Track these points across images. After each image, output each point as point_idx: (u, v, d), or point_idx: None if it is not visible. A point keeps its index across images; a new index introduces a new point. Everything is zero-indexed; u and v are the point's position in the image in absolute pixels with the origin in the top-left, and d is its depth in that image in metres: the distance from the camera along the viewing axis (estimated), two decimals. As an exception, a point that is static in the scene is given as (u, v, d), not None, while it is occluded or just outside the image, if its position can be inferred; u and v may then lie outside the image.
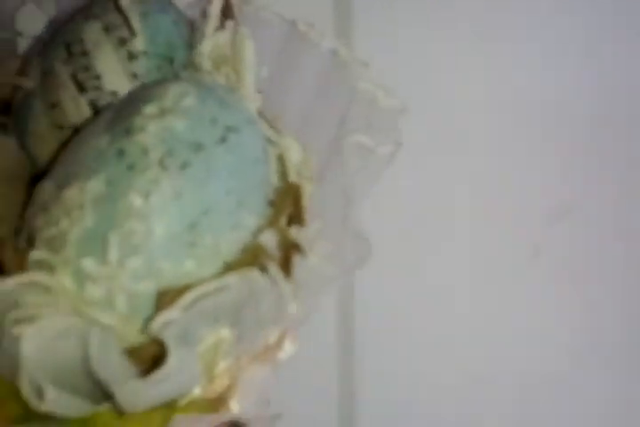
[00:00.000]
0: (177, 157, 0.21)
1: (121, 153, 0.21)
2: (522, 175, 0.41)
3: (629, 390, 0.44)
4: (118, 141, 0.22)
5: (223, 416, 0.23)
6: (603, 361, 0.43)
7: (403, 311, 0.41)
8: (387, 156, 0.26)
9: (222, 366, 0.23)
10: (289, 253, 0.21)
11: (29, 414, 0.20)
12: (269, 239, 0.21)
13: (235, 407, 0.24)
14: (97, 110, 0.26)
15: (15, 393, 0.19)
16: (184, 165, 0.22)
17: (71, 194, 0.21)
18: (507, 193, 0.42)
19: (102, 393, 0.20)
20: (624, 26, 0.43)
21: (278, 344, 0.26)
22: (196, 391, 0.22)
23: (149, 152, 0.21)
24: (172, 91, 0.22)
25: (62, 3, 0.32)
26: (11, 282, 0.19)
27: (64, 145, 0.24)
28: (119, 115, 0.22)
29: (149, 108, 0.22)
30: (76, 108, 0.26)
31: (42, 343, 0.18)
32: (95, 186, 0.21)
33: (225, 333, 0.22)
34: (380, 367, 0.42)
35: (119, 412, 0.20)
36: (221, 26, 0.28)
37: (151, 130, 0.22)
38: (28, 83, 0.27)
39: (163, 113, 0.22)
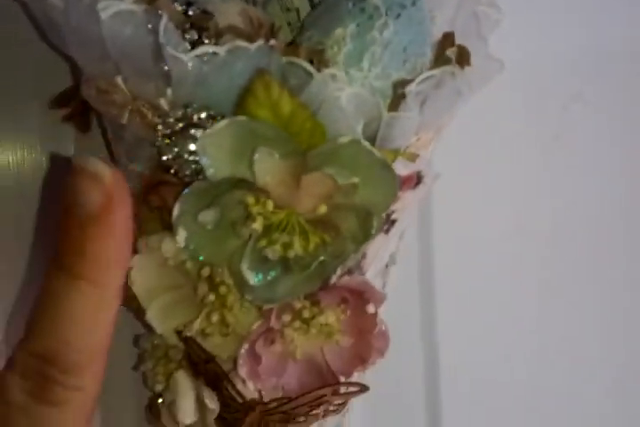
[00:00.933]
0: (393, 11, 0.38)
1: (362, 10, 0.37)
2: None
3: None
4: (359, 4, 0.37)
5: (418, 166, 0.39)
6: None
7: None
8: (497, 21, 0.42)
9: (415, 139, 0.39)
10: (463, 58, 0.37)
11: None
12: (451, 52, 0.37)
13: (421, 164, 0.40)
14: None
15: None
16: (397, 16, 0.38)
17: (338, 32, 0.37)
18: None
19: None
20: None
21: (432, 138, 0.42)
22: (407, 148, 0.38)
23: (379, 9, 0.37)
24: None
25: None
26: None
27: (307, 15, 0.39)
28: (354, -12, 0.38)
29: (375, -15, 0.38)
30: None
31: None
32: (352, 27, 0.37)
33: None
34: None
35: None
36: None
37: (378, -4, 0.37)
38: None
39: (382, -13, 0.38)
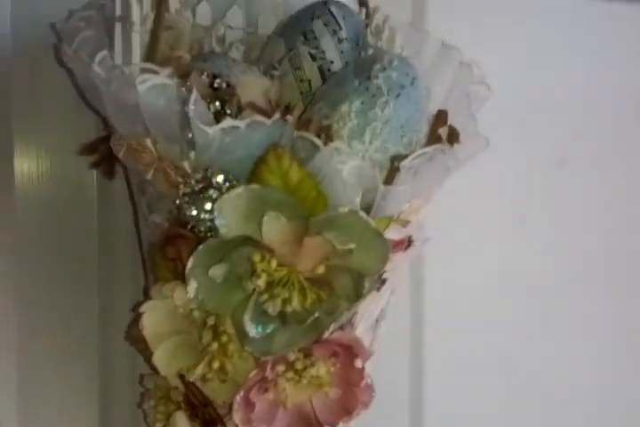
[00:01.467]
0: (394, 91, 0.42)
1: (366, 89, 0.42)
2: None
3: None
4: (364, 83, 0.42)
5: (409, 231, 0.43)
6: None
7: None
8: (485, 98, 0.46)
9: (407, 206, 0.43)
10: (453, 137, 0.42)
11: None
12: (442, 131, 0.41)
13: (412, 229, 0.44)
14: (322, 71, 0.46)
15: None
16: (397, 95, 0.42)
17: (344, 108, 0.41)
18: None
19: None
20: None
21: (423, 204, 0.46)
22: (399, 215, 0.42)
23: (381, 88, 0.41)
24: (387, 57, 0.42)
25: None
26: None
27: (313, 92, 0.44)
28: (360, 69, 0.42)
29: (377, 66, 0.42)
30: (311, 70, 0.46)
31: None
32: (356, 104, 0.41)
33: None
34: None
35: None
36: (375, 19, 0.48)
37: (380, 77, 0.42)
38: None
39: (384, 68, 0.42)
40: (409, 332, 0.61)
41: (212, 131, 0.37)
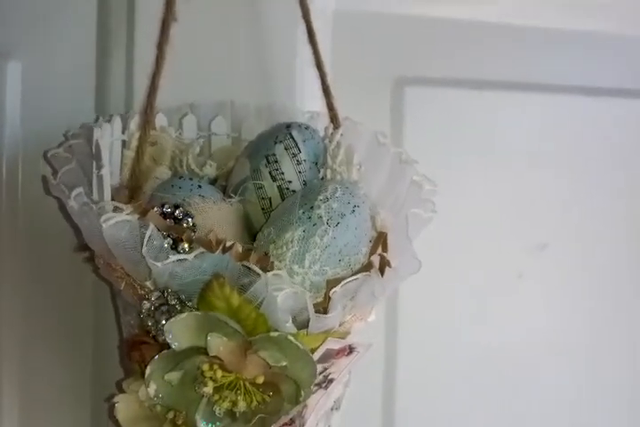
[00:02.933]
0: (334, 220, 0.48)
1: (309, 218, 0.48)
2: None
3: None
4: (308, 212, 0.48)
5: (348, 341, 0.48)
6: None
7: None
8: (428, 218, 0.51)
9: (349, 317, 0.49)
10: (383, 265, 0.47)
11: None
12: (375, 259, 0.47)
13: (354, 336, 0.49)
14: (281, 190, 0.52)
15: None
16: (337, 224, 0.48)
17: (288, 235, 0.47)
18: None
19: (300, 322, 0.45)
20: None
21: (369, 312, 0.52)
22: (337, 327, 0.48)
23: (322, 218, 0.47)
24: (330, 188, 0.48)
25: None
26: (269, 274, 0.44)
27: (273, 211, 0.50)
28: (306, 199, 0.49)
29: (321, 196, 0.48)
30: (271, 189, 0.52)
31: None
32: (299, 232, 0.47)
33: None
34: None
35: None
36: (335, 139, 0.54)
37: (322, 207, 0.48)
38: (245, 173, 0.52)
39: (327, 199, 0.48)
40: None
41: (162, 265, 0.44)
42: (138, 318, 0.48)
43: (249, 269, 0.45)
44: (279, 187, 0.53)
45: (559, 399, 0.71)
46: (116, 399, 0.50)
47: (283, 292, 0.45)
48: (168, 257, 0.44)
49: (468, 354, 0.68)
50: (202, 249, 0.44)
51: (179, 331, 0.45)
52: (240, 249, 0.45)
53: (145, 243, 0.43)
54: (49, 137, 0.57)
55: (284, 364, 0.44)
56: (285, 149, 0.53)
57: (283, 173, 0.53)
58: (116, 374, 0.58)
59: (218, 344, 0.45)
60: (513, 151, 0.71)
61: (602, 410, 0.73)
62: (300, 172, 0.53)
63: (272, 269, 0.46)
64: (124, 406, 0.50)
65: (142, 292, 0.47)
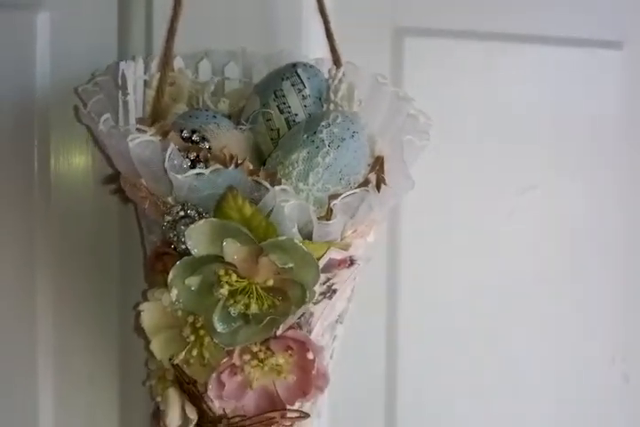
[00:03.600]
0: (335, 143, 0.53)
1: (312, 141, 0.53)
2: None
3: None
4: (311, 136, 0.54)
5: (350, 253, 0.54)
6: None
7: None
8: (422, 146, 0.57)
9: (349, 232, 0.54)
10: (379, 182, 0.52)
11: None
12: (372, 177, 0.52)
13: (355, 250, 0.55)
14: (288, 122, 0.58)
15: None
16: (337, 147, 0.53)
17: (294, 156, 0.53)
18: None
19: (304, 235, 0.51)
20: None
21: (369, 232, 0.57)
22: (339, 240, 0.53)
23: (324, 141, 0.53)
24: (332, 115, 0.54)
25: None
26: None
27: (280, 138, 0.55)
28: (309, 125, 0.54)
29: (323, 122, 0.54)
30: (279, 121, 0.58)
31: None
32: (303, 154, 0.53)
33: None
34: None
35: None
36: (337, 77, 0.59)
37: (324, 132, 0.53)
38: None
39: (329, 125, 0.54)
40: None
41: (182, 177, 0.49)
42: (160, 232, 0.54)
43: (259, 183, 0.51)
44: (286, 119, 0.59)
45: (544, 330, 0.77)
46: (141, 307, 0.56)
47: (289, 203, 0.50)
48: (187, 172, 0.50)
49: (462, 285, 0.74)
50: (217, 165, 0.50)
51: (197, 237, 0.51)
52: (250, 166, 0.51)
53: (167, 159, 0.49)
54: (77, 79, 0.63)
55: (291, 265, 0.50)
56: (292, 84, 0.59)
57: (289, 107, 0.59)
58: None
59: (232, 249, 0.50)
60: (511, 101, 0.75)
61: (591, 338, 0.78)
62: (305, 106, 0.59)
63: (280, 184, 0.51)
64: (148, 315, 0.56)
65: (164, 208, 0.53)
